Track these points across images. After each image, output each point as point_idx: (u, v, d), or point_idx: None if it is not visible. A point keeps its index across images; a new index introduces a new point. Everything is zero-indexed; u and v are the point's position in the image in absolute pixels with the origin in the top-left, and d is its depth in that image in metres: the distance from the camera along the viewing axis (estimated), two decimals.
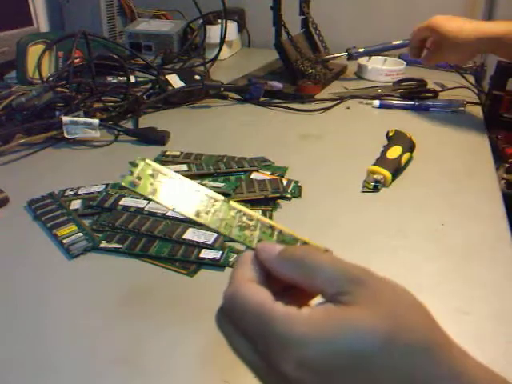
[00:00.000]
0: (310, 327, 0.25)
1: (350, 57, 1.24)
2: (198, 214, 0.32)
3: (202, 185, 0.33)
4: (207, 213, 0.32)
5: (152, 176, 0.32)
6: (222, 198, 0.33)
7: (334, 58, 1.23)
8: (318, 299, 0.28)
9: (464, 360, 0.26)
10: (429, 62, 1.04)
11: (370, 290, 0.26)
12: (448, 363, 0.25)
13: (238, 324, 0.28)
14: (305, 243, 0.32)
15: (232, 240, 0.32)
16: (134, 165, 0.32)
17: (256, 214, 0.33)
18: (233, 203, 0.33)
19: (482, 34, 0.88)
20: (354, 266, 0.27)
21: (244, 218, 0.32)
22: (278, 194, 0.65)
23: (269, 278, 0.30)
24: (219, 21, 1.30)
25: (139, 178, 0.32)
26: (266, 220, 0.33)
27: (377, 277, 0.27)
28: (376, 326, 0.25)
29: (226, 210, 0.32)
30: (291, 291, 0.30)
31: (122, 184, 0.32)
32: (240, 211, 0.33)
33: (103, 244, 0.56)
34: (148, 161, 0.33)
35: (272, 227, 0.32)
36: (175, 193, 0.32)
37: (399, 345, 0.24)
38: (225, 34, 1.26)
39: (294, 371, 0.25)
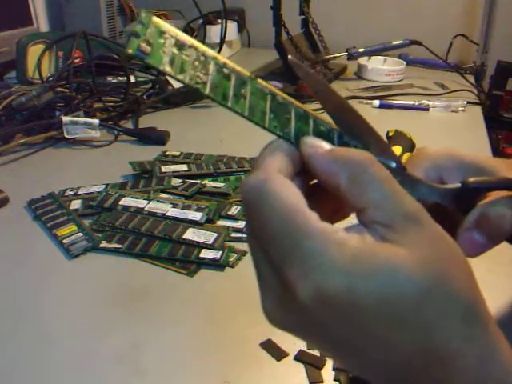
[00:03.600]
0: (343, 254, 0.21)
1: (350, 57, 1.24)
2: (224, 97, 0.24)
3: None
4: (236, 95, 0.25)
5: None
6: (247, 73, 0.26)
7: (334, 57, 1.23)
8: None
9: (499, 341, 0.23)
10: None
11: (422, 233, 0.22)
12: (483, 339, 0.22)
13: (255, 221, 0.23)
14: (340, 133, 0.27)
15: (265, 129, 0.26)
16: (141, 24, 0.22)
17: (288, 97, 0.26)
18: (261, 81, 0.26)
19: None
20: (412, 200, 0.23)
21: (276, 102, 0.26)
22: None
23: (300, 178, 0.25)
24: (219, 21, 1.30)
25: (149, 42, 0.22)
26: (300, 105, 0.26)
27: (432, 220, 0.23)
28: (419, 274, 0.21)
29: (256, 91, 0.25)
30: (320, 203, 0.25)
31: (129, 51, 0.22)
32: (271, 92, 0.26)
33: (103, 244, 0.56)
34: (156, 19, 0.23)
35: (306, 114, 0.26)
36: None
37: (437, 302, 0.21)
38: (225, 34, 1.26)
39: (310, 299, 0.21)
